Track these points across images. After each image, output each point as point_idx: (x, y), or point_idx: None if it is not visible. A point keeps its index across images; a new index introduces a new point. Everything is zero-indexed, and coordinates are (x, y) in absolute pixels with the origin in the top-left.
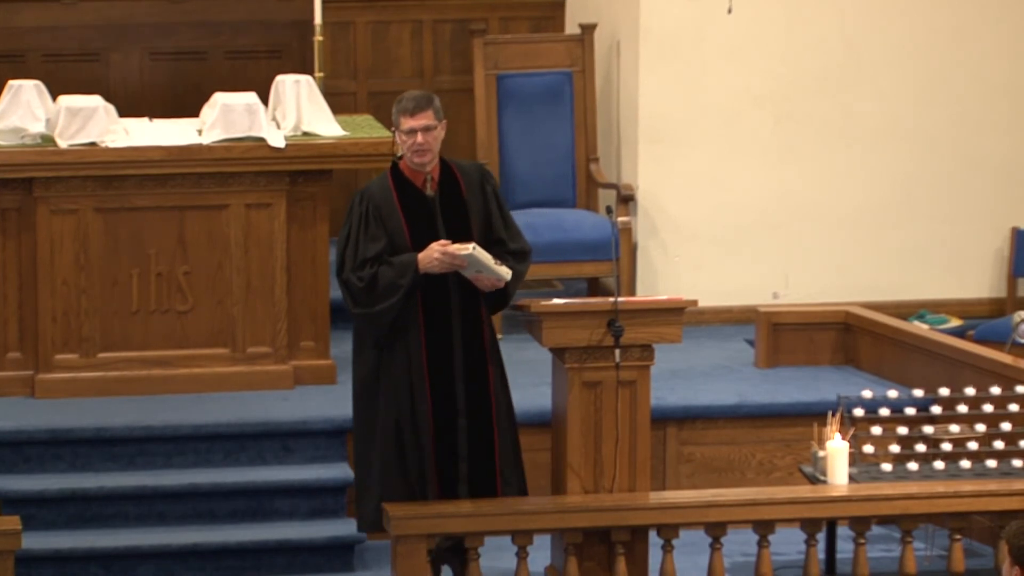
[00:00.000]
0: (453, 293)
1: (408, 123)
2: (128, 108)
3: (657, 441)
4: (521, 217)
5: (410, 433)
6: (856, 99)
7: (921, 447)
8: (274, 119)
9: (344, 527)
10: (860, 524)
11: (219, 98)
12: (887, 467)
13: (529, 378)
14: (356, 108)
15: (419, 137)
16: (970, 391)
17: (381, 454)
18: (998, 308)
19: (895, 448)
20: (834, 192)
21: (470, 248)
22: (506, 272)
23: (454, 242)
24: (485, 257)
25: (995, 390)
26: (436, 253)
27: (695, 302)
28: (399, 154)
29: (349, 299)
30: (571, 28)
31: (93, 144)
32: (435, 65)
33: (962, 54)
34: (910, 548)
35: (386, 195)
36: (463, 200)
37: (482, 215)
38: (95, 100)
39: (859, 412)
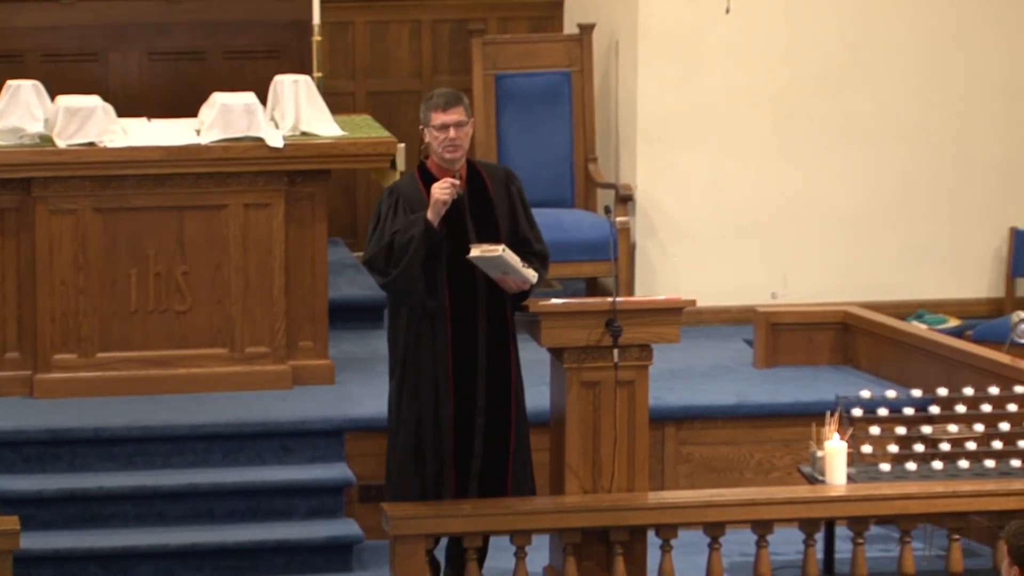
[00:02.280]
0: (480, 292)
1: (440, 118)
2: (127, 108)
3: (656, 441)
4: None
5: (431, 432)
6: (855, 99)
7: (919, 447)
8: (272, 119)
9: (343, 527)
10: (858, 524)
11: (217, 98)
12: (885, 467)
13: (528, 378)
14: (355, 108)
15: (451, 132)
16: (968, 391)
17: (401, 453)
18: (996, 308)
19: (893, 448)
20: (833, 192)
21: (499, 250)
22: (532, 275)
23: (483, 241)
24: (514, 259)
25: (993, 390)
26: (436, 187)
27: (693, 302)
28: (427, 153)
29: (375, 275)
30: (570, 28)
31: (92, 144)
32: (434, 65)
33: (962, 54)
34: (908, 548)
35: (416, 193)
36: (490, 199)
37: (508, 215)
38: (94, 100)
39: (857, 412)
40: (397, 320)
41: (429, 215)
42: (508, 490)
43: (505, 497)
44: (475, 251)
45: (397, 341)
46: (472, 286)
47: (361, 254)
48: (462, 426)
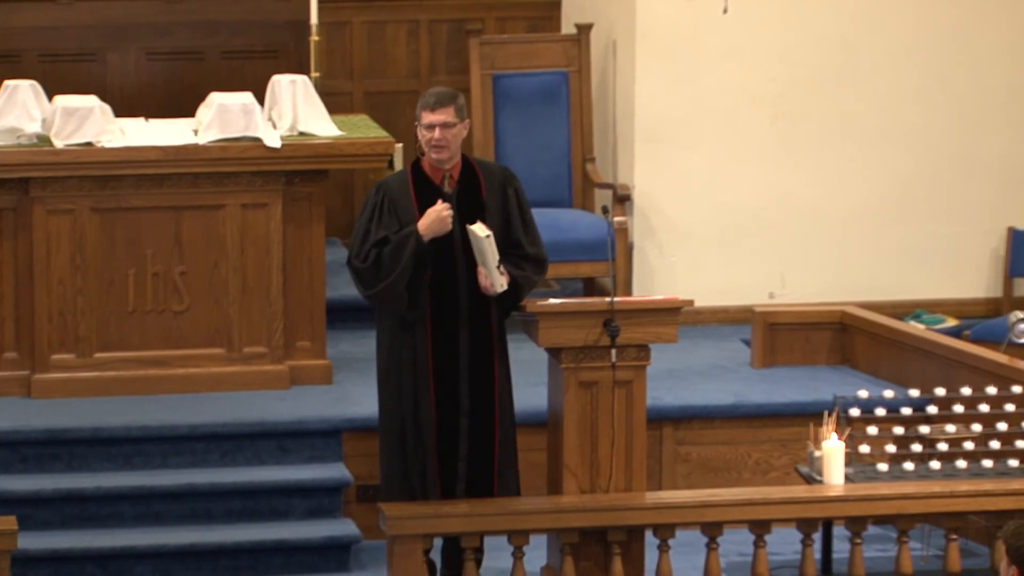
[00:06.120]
0: (462, 294)
1: (428, 118)
2: (124, 108)
3: (653, 441)
4: None
5: (413, 433)
6: (853, 99)
7: (917, 447)
8: (270, 119)
9: (341, 527)
10: (856, 524)
11: (215, 98)
12: (883, 467)
13: (526, 378)
14: (352, 108)
15: (437, 132)
16: (966, 391)
17: (387, 455)
18: (994, 308)
19: (891, 448)
20: (831, 192)
21: (486, 233)
22: (501, 284)
23: (468, 240)
24: (492, 254)
25: (991, 390)
26: (433, 211)
27: (691, 302)
28: (422, 150)
29: (357, 282)
30: (567, 28)
31: (89, 144)
32: (431, 65)
33: (961, 54)
34: (906, 548)
35: (403, 189)
36: (481, 200)
37: (501, 216)
38: (91, 100)
39: (855, 412)
40: (382, 323)
41: (422, 231)
42: (494, 492)
43: (502, 497)
44: (475, 225)
45: (381, 344)
46: (454, 289)
47: None
48: (445, 429)
